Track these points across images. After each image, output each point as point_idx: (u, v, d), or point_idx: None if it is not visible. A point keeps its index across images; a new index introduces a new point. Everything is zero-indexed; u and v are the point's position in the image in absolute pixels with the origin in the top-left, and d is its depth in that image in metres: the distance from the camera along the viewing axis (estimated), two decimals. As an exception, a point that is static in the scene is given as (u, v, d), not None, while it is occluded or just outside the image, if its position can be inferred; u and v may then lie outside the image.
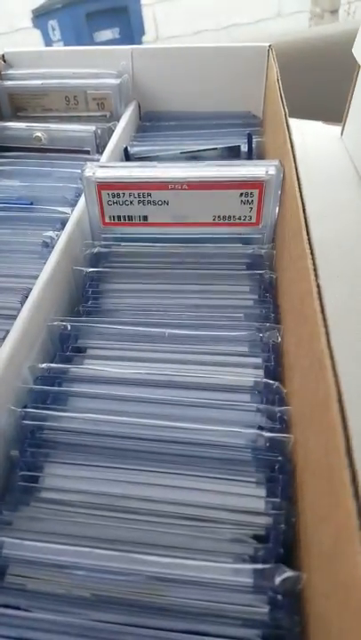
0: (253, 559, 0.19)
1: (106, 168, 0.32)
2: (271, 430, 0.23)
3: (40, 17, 1.67)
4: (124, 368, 0.26)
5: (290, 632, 0.18)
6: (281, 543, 0.20)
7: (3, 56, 0.51)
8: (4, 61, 0.51)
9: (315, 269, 0.21)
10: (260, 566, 0.18)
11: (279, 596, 0.18)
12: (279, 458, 0.22)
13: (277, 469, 0.22)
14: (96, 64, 0.50)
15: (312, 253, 0.22)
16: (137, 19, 1.75)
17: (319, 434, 0.17)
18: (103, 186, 0.32)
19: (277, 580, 0.18)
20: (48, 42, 1.71)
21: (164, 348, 0.28)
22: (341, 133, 0.65)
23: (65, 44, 1.67)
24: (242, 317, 0.29)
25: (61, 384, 0.26)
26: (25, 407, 0.24)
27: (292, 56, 0.87)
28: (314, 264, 0.21)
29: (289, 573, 0.18)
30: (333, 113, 0.66)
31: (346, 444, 0.14)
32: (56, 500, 0.21)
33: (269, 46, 0.49)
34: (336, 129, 0.66)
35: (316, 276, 0.20)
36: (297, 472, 0.22)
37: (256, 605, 0.18)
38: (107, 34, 1.71)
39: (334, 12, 1.81)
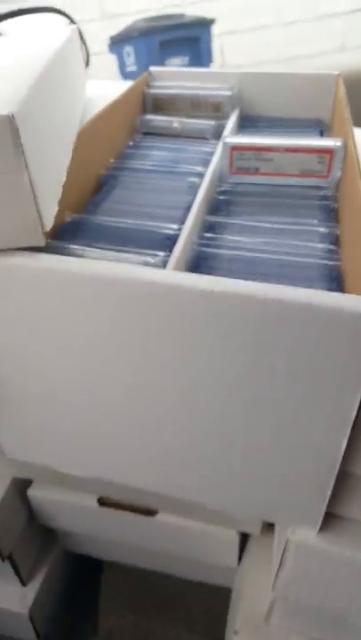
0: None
1: (236, 137, 0.54)
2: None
3: (117, 43, 1.82)
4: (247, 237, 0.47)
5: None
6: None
7: (150, 72, 0.75)
8: (150, 75, 0.75)
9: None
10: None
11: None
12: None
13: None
14: (215, 81, 0.73)
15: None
16: (207, 48, 1.87)
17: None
18: (235, 147, 0.53)
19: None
20: (122, 66, 1.85)
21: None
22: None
23: (137, 69, 1.81)
24: (316, 223, 0.49)
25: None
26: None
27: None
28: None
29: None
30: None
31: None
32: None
33: (338, 74, 0.70)
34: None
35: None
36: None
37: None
38: (177, 61, 1.84)
39: None
